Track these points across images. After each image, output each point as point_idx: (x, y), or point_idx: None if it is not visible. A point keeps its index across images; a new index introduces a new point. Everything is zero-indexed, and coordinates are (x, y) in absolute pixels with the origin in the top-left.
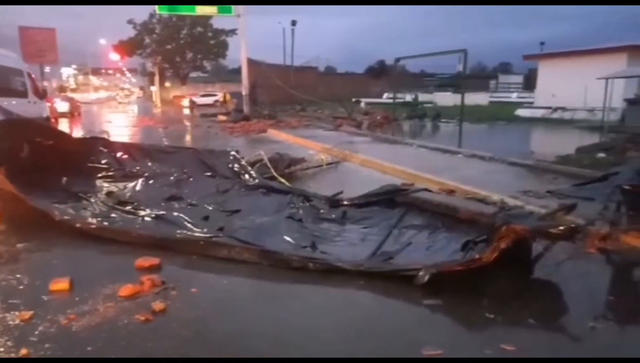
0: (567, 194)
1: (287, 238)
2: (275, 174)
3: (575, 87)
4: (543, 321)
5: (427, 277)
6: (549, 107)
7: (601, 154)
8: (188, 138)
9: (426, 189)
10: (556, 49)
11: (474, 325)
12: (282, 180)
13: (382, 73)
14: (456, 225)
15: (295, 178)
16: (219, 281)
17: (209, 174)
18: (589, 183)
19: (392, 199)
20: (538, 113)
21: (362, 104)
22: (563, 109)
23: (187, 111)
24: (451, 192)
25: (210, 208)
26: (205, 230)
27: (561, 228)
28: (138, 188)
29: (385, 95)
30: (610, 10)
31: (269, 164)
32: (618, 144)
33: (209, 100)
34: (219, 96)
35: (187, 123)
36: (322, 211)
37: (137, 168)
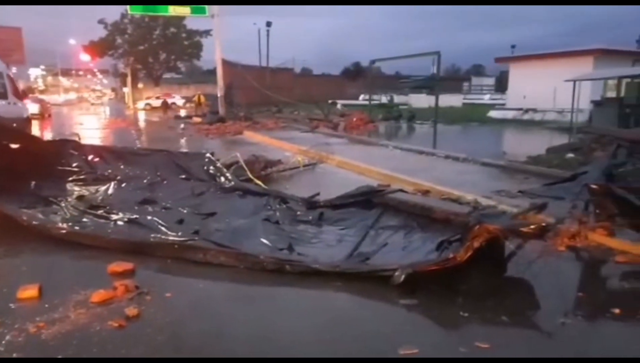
0: (538, 194)
1: (264, 241)
2: (251, 176)
3: (545, 89)
4: (516, 318)
5: (403, 277)
6: (520, 109)
7: (570, 155)
8: (162, 140)
9: (402, 190)
10: (527, 51)
11: (449, 324)
12: (259, 182)
13: (357, 75)
14: (431, 225)
15: (272, 180)
16: (195, 285)
17: (183, 176)
18: (558, 183)
19: (368, 201)
20: (509, 114)
21: (339, 106)
22: (533, 110)
23: (161, 114)
24: (426, 192)
25: (185, 211)
26: (180, 233)
27: (532, 226)
28: (110, 191)
29: (361, 97)
30: (579, 14)
31: (244, 167)
32: (586, 145)
33: (158, 103)
34: (176, 99)
35: (161, 125)
36: (299, 213)
37: (109, 171)
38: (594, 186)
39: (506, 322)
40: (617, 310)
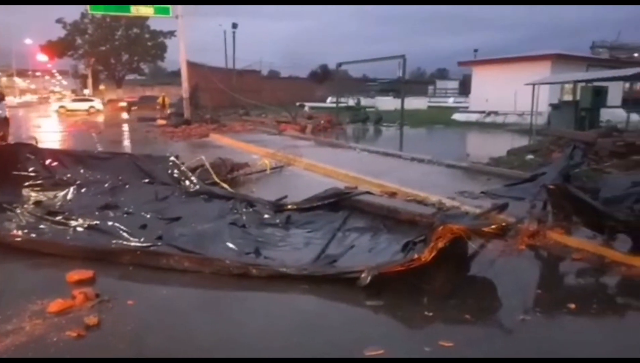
0: (499, 195)
1: (230, 245)
2: (217, 179)
3: (506, 93)
4: (479, 316)
5: (369, 279)
6: (483, 112)
7: (530, 156)
8: (124, 143)
9: (368, 192)
10: (489, 56)
11: (414, 324)
12: (225, 186)
13: (325, 78)
14: (397, 227)
15: (238, 184)
16: (158, 292)
17: (146, 180)
18: (518, 184)
19: (335, 203)
20: (473, 117)
21: (306, 108)
22: (495, 113)
23: (125, 115)
24: (392, 194)
25: (148, 216)
26: (142, 239)
27: (494, 226)
28: (69, 196)
29: (328, 99)
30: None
31: (210, 170)
32: (544, 147)
33: (82, 105)
34: (95, 102)
35: (124, 128)
36: (265, 216)
37: (68, 175)
38: (551, 187)
39: (469, 320)
40: (573, 306)
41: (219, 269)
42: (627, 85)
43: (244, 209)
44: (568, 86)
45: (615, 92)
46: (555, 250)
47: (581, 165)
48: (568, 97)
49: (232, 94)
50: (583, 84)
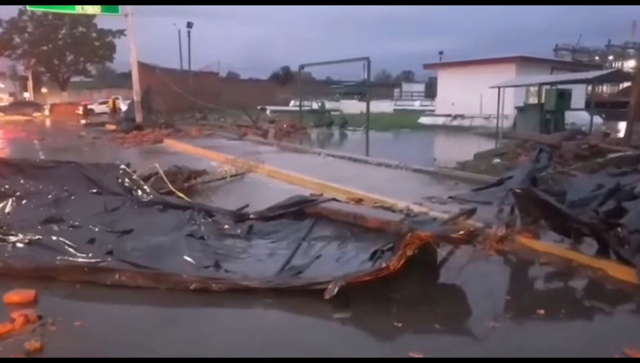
0: (467, 199)
1: (188, 258)
2: (172, 188)
3: (472, 96)
4: (448, 324)
5: (336, 290)
6: (449, 115)
7: (496, 160)
8: (70, 150)
9: (335, 199)
10: (454, 59)
11: (383, 335)
12: (181, 195)
13: (287, 80)
14: (365, 234)
15: (196, 193)
16: (109, 312)
17: (94, 191)
18: (486, 188)
19: (300, 211)
20: (439, 121)
21: (268, 112)
22: (462, 116)
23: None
24: (359, 201)
25: (97, 230)
26: (91, 254)
27: (462, 232)
28: (8, 209)
29: (291, 103)
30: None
31: (165, 178)
32: (511, 150)
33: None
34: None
35: (69, 134)
36: (226, 226)
37: (6, 186)
38: (518, 191)
39: (439, 329)
40: (542, 311)
41: (176, 285)
42: (590, 88)
43: (203, 220)
44: (533, 89)
45: (579, 95)
46: (523, 254)
47: (547, 168)
48: (533, 100)
49: (188, 97)
50: (548, 86)
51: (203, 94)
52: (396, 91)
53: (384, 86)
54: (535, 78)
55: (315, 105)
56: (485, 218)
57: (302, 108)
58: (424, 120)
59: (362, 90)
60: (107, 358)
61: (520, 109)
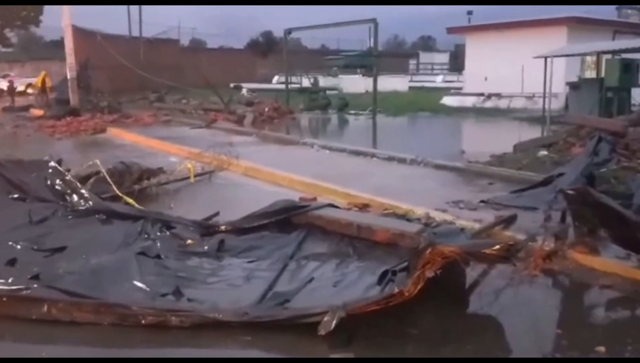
0: (504, 204)
1: (139, 284)
2: (119, 192)
3: (511, 69)
4: None
5: (334, 323)
6: (481, 94)
7: (543, 152)
8: None
9: (331, 205)
10: (487, 20)
11: None
12: (130, 201)
13: (270, 49)
14: (371, 251)
15: (150, 197)
16: (33, 353)
17: (15, 196)
18: (530, 188)
19: (287, 221)
20: (468, 101)
21: (244, 92)
22: (497, 95)
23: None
24: (364, 207)
25: (19, 247)
26: (10, 279)
27: (498, 247)
28: None
29: (275, 78)
30: None
31: (109, 179)
32: (561, 139)
33: None
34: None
35: None
36: (189, 242)
37: None
38: (570, 192)
39: None
40: (602, 349)
41: (124, 319)
42: None
43: (159, 234)
44: (590, 60)
45: None
46: (578, 275)
47: (609, 163)
48: (590, 74)
49: (139, 73)
50: (609, 56)
51: (159, 69)
52: (412, 63)
53: (396, 57)
54: (593, 45)
55: (306, 82)
56: (529, 228)
57: (289, 86)
58: (448, 101)
59: (368, 62)
60: (107, 358)
61: (573, 86)
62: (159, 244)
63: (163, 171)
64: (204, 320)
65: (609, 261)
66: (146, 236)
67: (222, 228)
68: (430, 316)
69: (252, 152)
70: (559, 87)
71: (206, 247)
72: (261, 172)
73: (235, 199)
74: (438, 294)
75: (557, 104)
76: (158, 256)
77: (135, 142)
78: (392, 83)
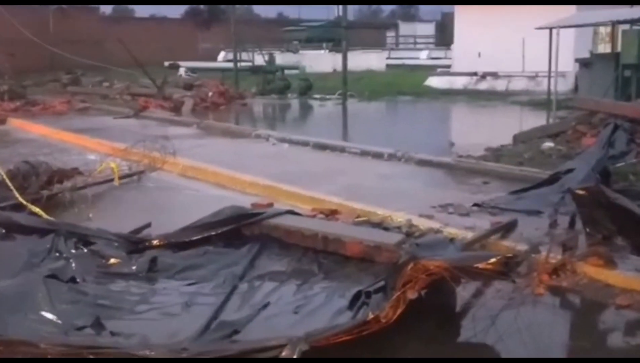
0: (502, 207)
1: (48, 315)
2: (22, 199)
3: (509, 43)
4: None
5: (295, 356)
6: (474, 74)
7: (548, 144)
8: None
9: (292, 212)
10: None
11: None
12: (37, 210)
13: (214, 19)
14: (341, 268)
15: (63, 206)
16: None
17: None
18: (532, 188)
19: (235, 233)
20: (458, 82)
21: (182, 72)
22: (493, 75)
23: None
24: (332, 214)
25: None
26: None
27: (494, 259)
28: None
29: (221, 55)
30: None
31: (8, 183)
32: (570, 127)
33: None
34: None
35: None
36: (112, 260)
37: None
38: (581, 192)
39: None
40: None
41: (29, 358)
42: None
43: (74, 251)
44: (604, 31)
45: None
46: (590, 292)
47: (626, 156)
48: (604, 49)
49: (48, 49)
50: (627, 26)
51: (74, 43)
52: (390, 35)
53: (370, 28)
54: (608, 13)
55: (259, 59)
56: (531, 237)
57: (239, 65)
58: (434, 81)
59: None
60: (106, 359)
61: (584, 63)
62: (73, 264)
63: (79, 172)
64: (130, 357)
65: (628, 275)
66: (57, 254)
67: (155, 242)
68: (413, 347)
69: (193, 147)
70: (567, 64)
71: (134, 267)
72: (204, 172)
73: (171, 206)
74: (422, 319)
75: (564, 86)
76: (73, 280)
77: (44, 135)
78: (366, 60)
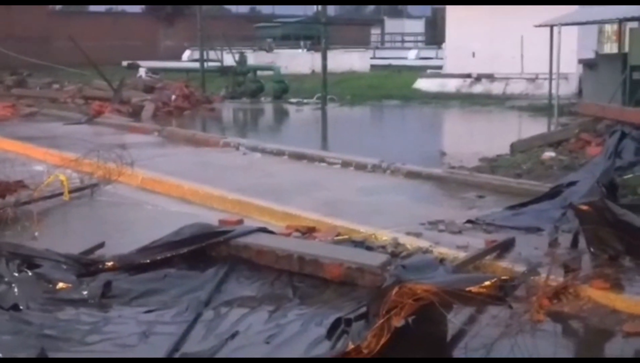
0: (498, 224)
1: None
2: None
3: (506, 42)
4: None
5: None
6: (468, 75)
7: (549, 153)
8: None
9: (264, 230)
10: None
11: None
12: None
13: (178, 14)
14: (318, 292)
15: (4, 223)
16: None
17: None
18: (531, 203)
19: (200, 253)
20: (450, 85)
21: (142, 73)
22: (489, 77)
23: None
24: (309, 232)
25: None
26: None
27: (489, 282)
28: None
29: (186, 54)
30: None
31: None
32: (573, 135)
33: None
34: None
35: None
36: (61, 285)
37: None
38: (584, 207)
39: None
40: None
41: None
42: None
43: (17, 274)
44: (610, 29)
45: None
46: (595, 318)
47: (635, 167)
48: (610, 48)
49: None
50: (635, 24)
51: (19, 41)
52: (375, 32)
53: (353, 25)
54: (614, 9)
55: (229, 59)
56: (530, 256)
57: (206, 65)
58: (424, 84)
59: (314, 31)
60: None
61: (588, 65)
62: (16, 289)
63: (24, 186)
64: None
65: (637, 299)
66: None
67: (109, 264)
68: None
69: (153, 157)
70: (570, 66)
71: (85, 292)
72: (165, 184)
73: (128, 223)
74: (409, 350)
75: (567, 89)
76: (15, 307)
77: None
78: (349, 60)
